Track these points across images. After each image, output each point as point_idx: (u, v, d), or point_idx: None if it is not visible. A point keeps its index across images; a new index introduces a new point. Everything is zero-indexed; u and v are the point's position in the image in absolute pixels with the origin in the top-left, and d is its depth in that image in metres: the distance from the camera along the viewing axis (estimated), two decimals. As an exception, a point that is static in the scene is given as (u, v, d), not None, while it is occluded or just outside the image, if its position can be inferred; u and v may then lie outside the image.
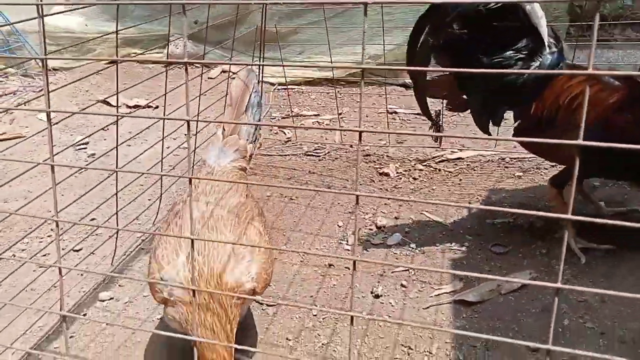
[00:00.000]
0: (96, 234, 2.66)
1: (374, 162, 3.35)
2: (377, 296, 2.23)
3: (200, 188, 1.89)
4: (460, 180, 3.10)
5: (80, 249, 2.57)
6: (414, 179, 3.15)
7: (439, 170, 3.23)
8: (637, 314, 2.01)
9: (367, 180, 3.14)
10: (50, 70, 4.95)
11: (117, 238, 2.42)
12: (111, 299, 2.28)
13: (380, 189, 3.07)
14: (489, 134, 2.50)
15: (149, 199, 2.87)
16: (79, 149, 3.65)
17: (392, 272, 2.37)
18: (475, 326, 2.03)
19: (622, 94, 2.18)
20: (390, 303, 2.20)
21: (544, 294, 2.17)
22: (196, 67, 4.47)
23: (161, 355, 1.99)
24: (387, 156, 3.42)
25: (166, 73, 2.44)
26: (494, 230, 2.61)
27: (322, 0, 3.18)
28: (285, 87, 4.19)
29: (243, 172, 2.09)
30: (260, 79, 3.68)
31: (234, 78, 2.34)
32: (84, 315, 2.19)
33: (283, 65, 3.13)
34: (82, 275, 2.40)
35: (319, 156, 3.48)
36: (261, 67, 3.70)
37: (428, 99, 2.56)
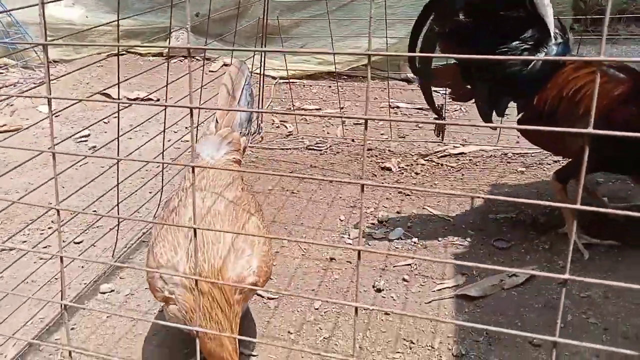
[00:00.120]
0: (97, 227, 2.65)
1: (376, 156, 3.34)
2: (378, 290, 2.22)
3: (195, 184, 1.87)
4: (463, 175, 3.09)
5: (81, 242, 2.57)
6: (416, 173, 3.13)
7: (441, 165, 3.21)
8: (640, 309, 2.00)
9: (369, 175, 3.13)
10: (50, 62, 4.93)
11: (118, 230, 2.41)
12: (112, 291, 2.27)
13: (382, 183, 3.05)
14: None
15: (150, 192, 2.86)
16: (80, 142, 3.64)
17: (394, 266, 2.36)
18: (477, 321, 2.02)
19: (627, 86, 2.17)
20: (392, 297, 2.19)
21: (547, 289, 2.16)
22: (197, 60, 4.45)
23: (163, 347, 1.98)
24: (389, 151, 3.40)
25: (167, 64, 2.43)
26: (496, 225, 2.60)
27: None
28: (286, 80, 4.18)
29: (237, 165, 2.06)
30: (262, 72, 3.66)
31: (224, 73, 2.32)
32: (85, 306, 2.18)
33: (285, 52, 3.10)
34: (82, 267, 2.39)
35: (321, 150, 3.46)
36: (263, 58, 3.68)
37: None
